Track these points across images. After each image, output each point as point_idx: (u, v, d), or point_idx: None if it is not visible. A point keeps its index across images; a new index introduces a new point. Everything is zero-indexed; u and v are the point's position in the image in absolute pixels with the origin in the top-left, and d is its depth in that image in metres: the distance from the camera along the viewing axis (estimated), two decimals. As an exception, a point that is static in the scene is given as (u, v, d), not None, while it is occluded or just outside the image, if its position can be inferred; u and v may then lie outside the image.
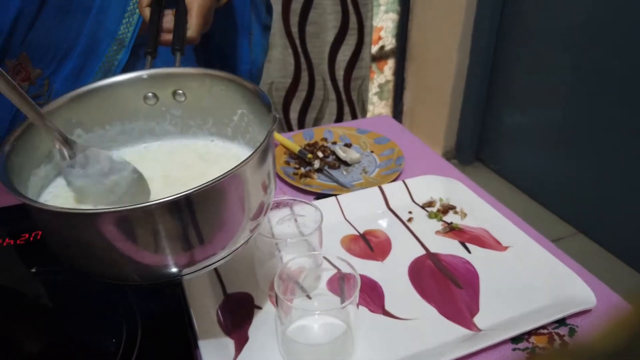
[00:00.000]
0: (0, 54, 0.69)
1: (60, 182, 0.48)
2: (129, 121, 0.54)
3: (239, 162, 0.38)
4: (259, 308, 0.55)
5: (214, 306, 0.54)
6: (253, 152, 0.39)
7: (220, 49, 0.89)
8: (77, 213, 0.38)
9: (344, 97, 1.88)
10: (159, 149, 0.55)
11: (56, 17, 0.69)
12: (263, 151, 0.41)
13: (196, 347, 0.48)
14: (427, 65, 2.20)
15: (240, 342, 0.50)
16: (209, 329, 0.51)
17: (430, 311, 0.54)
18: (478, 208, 0.68)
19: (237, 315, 0.54)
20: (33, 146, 0.46)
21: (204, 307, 0.53)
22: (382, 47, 2.17)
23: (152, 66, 0.56)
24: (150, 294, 0.51)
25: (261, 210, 0.44)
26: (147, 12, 0.62)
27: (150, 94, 0.53)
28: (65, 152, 0.45)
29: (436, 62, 2.15)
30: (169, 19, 0.62)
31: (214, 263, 0.43)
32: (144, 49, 0.59)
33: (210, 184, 0.36)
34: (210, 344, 0.49)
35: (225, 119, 0.53)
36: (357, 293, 0.46)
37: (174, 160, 0.54)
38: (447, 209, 0.69)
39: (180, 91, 0.53)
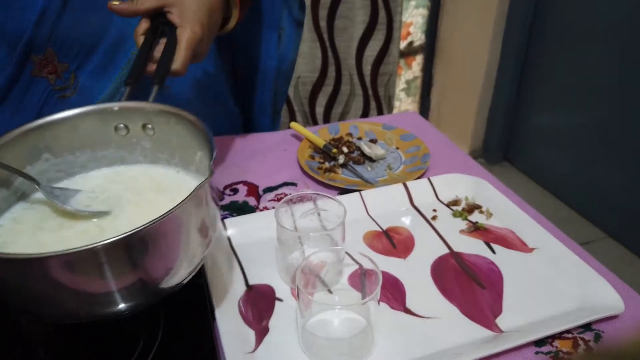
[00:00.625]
0: (27, 50, 0.71)
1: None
2: (99, 149, 0.55)
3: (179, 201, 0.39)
4: (280, 300, 0.55)
5: (236, 297, 0.55)
6: (177, 205, 0.39)
7: (244, 44, 0.89)
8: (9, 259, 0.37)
9: (370, 92, 1.88)
10: (122, 172, 0.56)
11: (82, 13, 0.70)
12: (195, 201, 0.41)
13: (217, 336, 0.49)
14: (456, 62, 2.17)
15: (261, 333, 0.51)
16: (230, 319, 0.52)
17: (452, 310, 0.54)
18: (504, 208, 0.67)
19: (259, 306, 0.54)
20: None
21: (225, 298, 0.54)
22: (410, 43, 2.15)
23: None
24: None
25: (201, 249, 0.45)
26: (140, 40, 0.61)
27: (121, 125, 0.54)
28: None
29: (466, 59, 2.12)
30: (160, 49, 0.61)
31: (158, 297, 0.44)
32: (125, 79, 0.58)
33: (133, 232, 0.36)
34: (231, 334, 0.49)
35: (189, 157, 0.53)
36: (378, 289, 0.46)
37: (133, 184, 0.54)
38: (472, 208, 0.69)
39: (149, 125, 0.54)
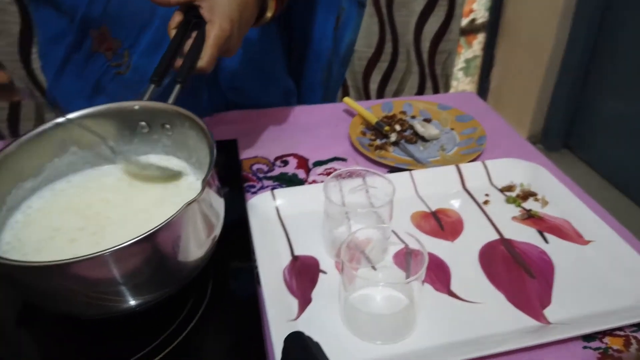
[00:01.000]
0: (84, 24, 0.73)
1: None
2: (124, 143, 0.57)
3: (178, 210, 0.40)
4: (324, 273, 0.56)
5: (282, 266, 0.56)
6: (166, 220, 0.40)
7: (300, 23, 0.88)
8: (24, 266, 0.39)
9: (427, 70, 1.83)
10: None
11: None
12: (179, 222, 0.41)
13: (262, 302, 0.50)
14: (520, 42, 2.08)
15: (304, 302, 0.52)
16: (275, 287, 0.53)
17: (498, 297, 0.52)
18: (561, 197, 0.65)
19: (303, 277, 0.55)
20: None
21: (271, 266, 0.55)
22: (472, 21, 2.07)
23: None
24: (221, 249, 0.54)
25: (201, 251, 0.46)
26: (172, 34, 0.60)
27: (143, 123, 0.55)
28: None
29: (531, 39, 2.02)
30: (191, 43, 0.60)
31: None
32: (150, 76, 0.57)
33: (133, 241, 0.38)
34: (275, 301, 0.50)
35: (203, 159, 0.53)
36: (423, 270, 0.46)
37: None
38: (527, 195, 0.66)
39: (167, 125, 0.55)
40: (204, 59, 0.58)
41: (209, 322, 0.47)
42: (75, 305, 0.42)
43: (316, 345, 0.34)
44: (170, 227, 0.40)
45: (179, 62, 0.59)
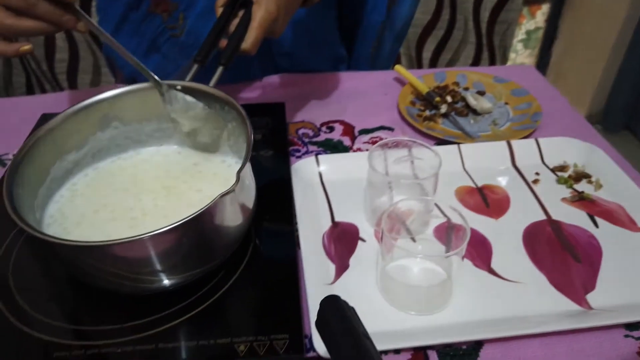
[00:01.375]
0: None
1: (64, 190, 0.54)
2: (165, 121, 0.57)
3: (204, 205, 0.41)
4: (363, 241, 0.56)
5: (321, 230, 0.57)
6: (201, 209, 0.40)
7: None
8: (70, 245, 0.40)
9: (484, 40, 1.75)
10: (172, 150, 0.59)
11: None
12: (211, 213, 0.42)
13: (300, 264, 0.51)
14: (588, 15, 1.95)
15: (341, 268, 0.53)
16: (314, 250, 0.54)
17: (539, 278, 0.51)
18: (617, 181, 0.62)
19: (342, 243, 0.56)
20: (36, 166, 0.49)
21: (311, 230, 0.56)
22: (538, -11, 1.96)
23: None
24: (264, 211, 0.55)
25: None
26: (219, 12, 0.59)
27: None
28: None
29: (600, 12, 1.89)
30: (235, 23, 0.59)
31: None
32: (194, 56, 0.57)
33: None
34: (313, 264, 0.51)
35: (239, 146, 0.54)
36: (464, 245, 0.45)
37: (180, 162, 0.58)
38: (580, 176, 0.64)
39: (207, 107, 0.55)
40: (248, 41, 0.57)
41: (247, 280, 0.49)
42: (111, 284, 0.44)
43: (352, 310, 0.35)
44: (205, 216, 0.41)
45: (223, 42, 0.59)
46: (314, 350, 0.44)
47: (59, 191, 0.53)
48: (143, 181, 0.55)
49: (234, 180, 0.42)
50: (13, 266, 0.50)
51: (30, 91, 1.52)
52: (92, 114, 0.54)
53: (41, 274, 0.50)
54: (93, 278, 0.45)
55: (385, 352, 0.45)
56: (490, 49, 1.77)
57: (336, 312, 0.34)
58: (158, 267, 0.42)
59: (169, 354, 0.42)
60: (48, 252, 0.47)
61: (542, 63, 2.16)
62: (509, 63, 1.93)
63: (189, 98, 0.54)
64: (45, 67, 1.45)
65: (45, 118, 0.71)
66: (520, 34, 2.06)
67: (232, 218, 0.46)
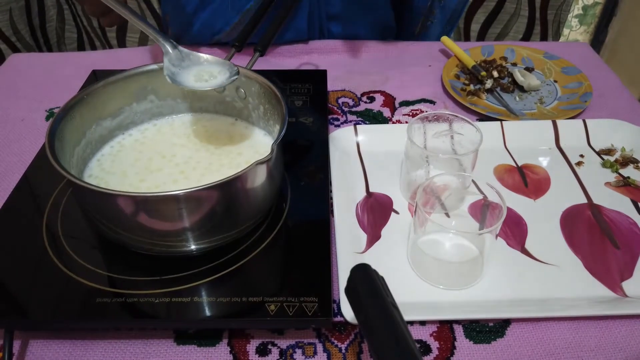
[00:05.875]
0: None
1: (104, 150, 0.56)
2: (198, 101, 0.59)
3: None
4: (396, 213, 0.56)
5: (355, 200, 0.57)
6: (236, 174, 0.42)
7: None
8: (112, 194, 0.41)
9: (537, 14, 1.68)
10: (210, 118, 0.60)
11: None
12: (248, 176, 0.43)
13: (333, 231, 0.52)
14: (653, -10, 1.83)
15: (372, 238, 0.53)
16: (347, 218, 0.54)
17: (574, 262, 0.51)
18: (667, 168, 0.59)
19: (375, 213, 0.56)
20: (76, 124, 0.51)
21: (345, 198, 0.57)
22: (600, -39, 1.85)
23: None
24: (300, 177, 0.56)
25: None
26: None
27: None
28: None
29: (666, -13, 1.77)
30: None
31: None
32: (232, 41, 0.57)
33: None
34: (345, 232, 0.52)
35: (271, 127, 0.55)
36: (499, 224, 0.45)
37: (218, 130, 0.58)
38: (627, 161, 0.61)
39: (242, 90, 0.56)
40: None
41: (280, 244, 0.50)
42: (143, 243, 0.46)
43: (381, 279, 0.35)
44: (239, 181, 0.43)
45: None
46: (342, 315, 0.45)
47: (95, 155, 0.55)
48: (175, 146, 0.56)
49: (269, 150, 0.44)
50: (62, 214, 0.53)
51: (81, 47, 1.56)
52: (131, 84, 0.56)
53: (86, 225, 0.53)
54: (129, 238, 0.47)
55: (411, 322, 0.45)
56: (543, 24, 1.70)
57: (366, 280, 0.35)
58: (188, 226, 0.44)
59: (203, 307, 0.44)
60: (85, 204, 0.49)
61: (597, 41, 2.06)
62: (561, 39, 1.85)
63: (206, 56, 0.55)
64: (96, 24, 1.48)
65: (95, 74, 0.73)
66: (576, 9, 1.95)
67: (263, 186, 0.47)
